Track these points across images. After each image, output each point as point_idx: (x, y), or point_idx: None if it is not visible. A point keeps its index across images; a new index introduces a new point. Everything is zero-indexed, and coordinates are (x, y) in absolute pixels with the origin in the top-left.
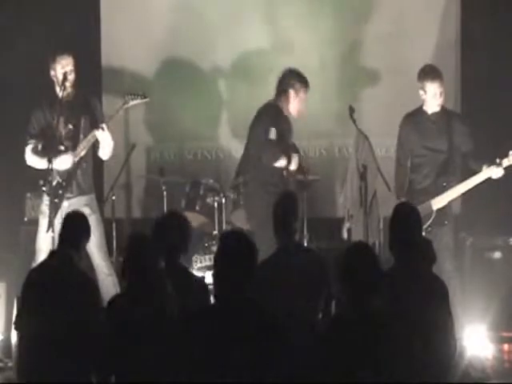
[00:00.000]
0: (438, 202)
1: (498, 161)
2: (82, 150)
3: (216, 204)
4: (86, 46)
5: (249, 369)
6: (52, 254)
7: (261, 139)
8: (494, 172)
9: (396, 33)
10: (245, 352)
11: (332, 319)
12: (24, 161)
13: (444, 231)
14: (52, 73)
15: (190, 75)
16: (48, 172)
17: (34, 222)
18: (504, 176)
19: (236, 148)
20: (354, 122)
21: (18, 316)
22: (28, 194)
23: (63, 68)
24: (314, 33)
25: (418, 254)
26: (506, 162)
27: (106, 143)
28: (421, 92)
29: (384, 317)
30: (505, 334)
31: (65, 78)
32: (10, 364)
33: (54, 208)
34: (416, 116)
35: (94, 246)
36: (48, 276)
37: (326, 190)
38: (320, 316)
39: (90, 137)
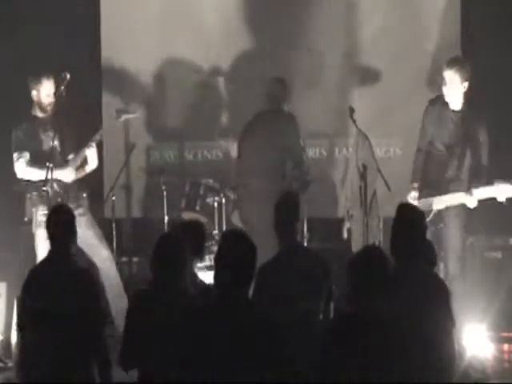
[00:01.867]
0: (438, 203)
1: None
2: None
3: (216, 204)
4: (86, 46)
5: (248, 369)
6: (49, 252)
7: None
8: (468, 201)
9: (396, 33)
10: (244, 352)
11: (333, 319)
12: None
13: (449, 233)
14: (34, 93)
15: (189, 75)
16: (45, 182)
17: None
18: (504, 176)
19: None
20: (354, 122)
21: (19, 316)
22: (28, 195)
23: (48, 91)
24: (314, 33)
25: (419, 255)
26: (477, 194)
27: (93, 161)
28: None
29: (385, 317)
30: (505, 335)
31: (50, 101)
32: (10, 364)
33: None
34: (439, 107)
35: (95, 239)
36: (47, 275)
37: (326, 190)
38: (321, 316)
39: (79, 156)
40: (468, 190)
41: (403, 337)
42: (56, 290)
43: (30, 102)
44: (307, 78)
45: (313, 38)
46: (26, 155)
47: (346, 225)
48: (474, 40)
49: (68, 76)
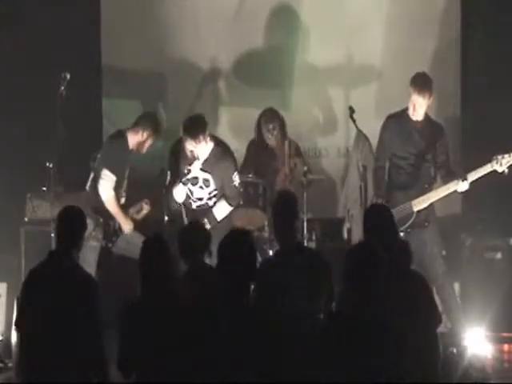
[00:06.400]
0: (419, 204)
1: (464, 176)
2: None
3: None
4: (85, 46)
5: (246, 370)
6: (51, 253)
7: None
8: (459, 186)
9: (396, 33)
10: (243, 353)
11: (328, 318)
12: (24, 161)
13: (428, 236)
14: (143, 137)
15: (189, 75)
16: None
17: (34, 223)
18: (504, 176)
19: (236, 148)
20: (354, 122)
21: (18, 316)
22: (28, 195)
23: (151, 144)
24: (314, 33)
25: (395, 253)
26: (471, 177)
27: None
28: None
29: (382, 317)
30: (505, 335)
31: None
32: (10, 364)
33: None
34: (400, 121)
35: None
36: (47, 276)
37: (326, 190)
38: (321, 316)
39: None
40: (462, 177)
41: (395, 336)
42: (55, 290)
43: (28, 101)
44: (307, 78)
45: (313, 38)
46: (114, 180)
47: (346, 225)
48: (474, 40)
49: (68, 76)
